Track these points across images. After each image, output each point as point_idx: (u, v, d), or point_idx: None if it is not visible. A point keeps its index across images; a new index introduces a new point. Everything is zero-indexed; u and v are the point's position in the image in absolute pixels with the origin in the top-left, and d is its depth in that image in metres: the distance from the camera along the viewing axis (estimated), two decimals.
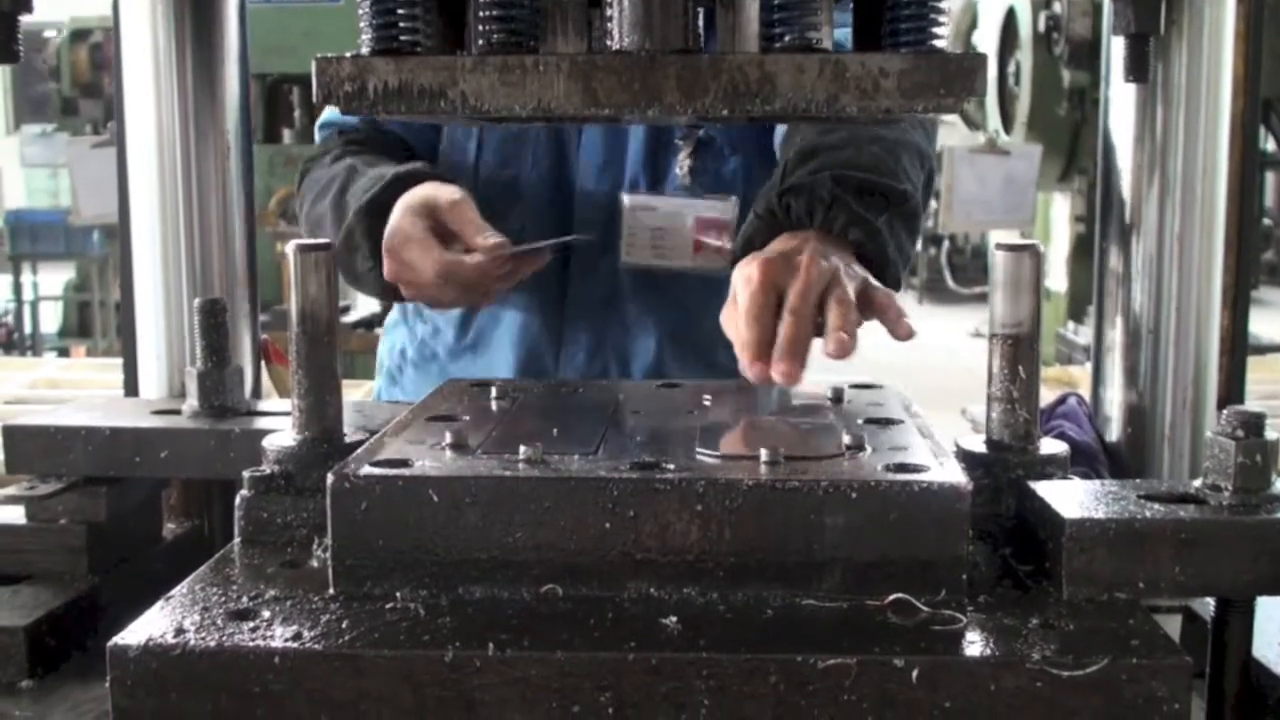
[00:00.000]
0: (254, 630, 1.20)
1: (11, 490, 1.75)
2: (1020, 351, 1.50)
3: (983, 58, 1.27)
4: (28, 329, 13.16)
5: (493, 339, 2.59)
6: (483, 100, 1.26)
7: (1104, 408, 2.13)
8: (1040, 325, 1.52)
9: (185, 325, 2.04)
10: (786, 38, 1.28)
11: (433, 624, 1.22)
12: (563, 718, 1.15)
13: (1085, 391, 2.24)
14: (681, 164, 2.45)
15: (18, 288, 13.06)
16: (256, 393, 2.17)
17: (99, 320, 12.26)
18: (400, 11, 1.31)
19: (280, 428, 1.60)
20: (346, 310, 9.47)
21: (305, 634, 1.19)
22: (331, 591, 1.29)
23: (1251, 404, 1.47)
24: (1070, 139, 9.19)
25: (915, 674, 1.14)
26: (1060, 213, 9.75)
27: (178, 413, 1.82)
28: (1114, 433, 2.10)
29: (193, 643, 1.17)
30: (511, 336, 2.56)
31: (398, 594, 1.28)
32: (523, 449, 1.35)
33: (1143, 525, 1.28)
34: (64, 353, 11.78)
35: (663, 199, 2.46)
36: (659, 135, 2.49)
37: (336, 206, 2.35)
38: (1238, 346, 2.11)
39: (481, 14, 1.31)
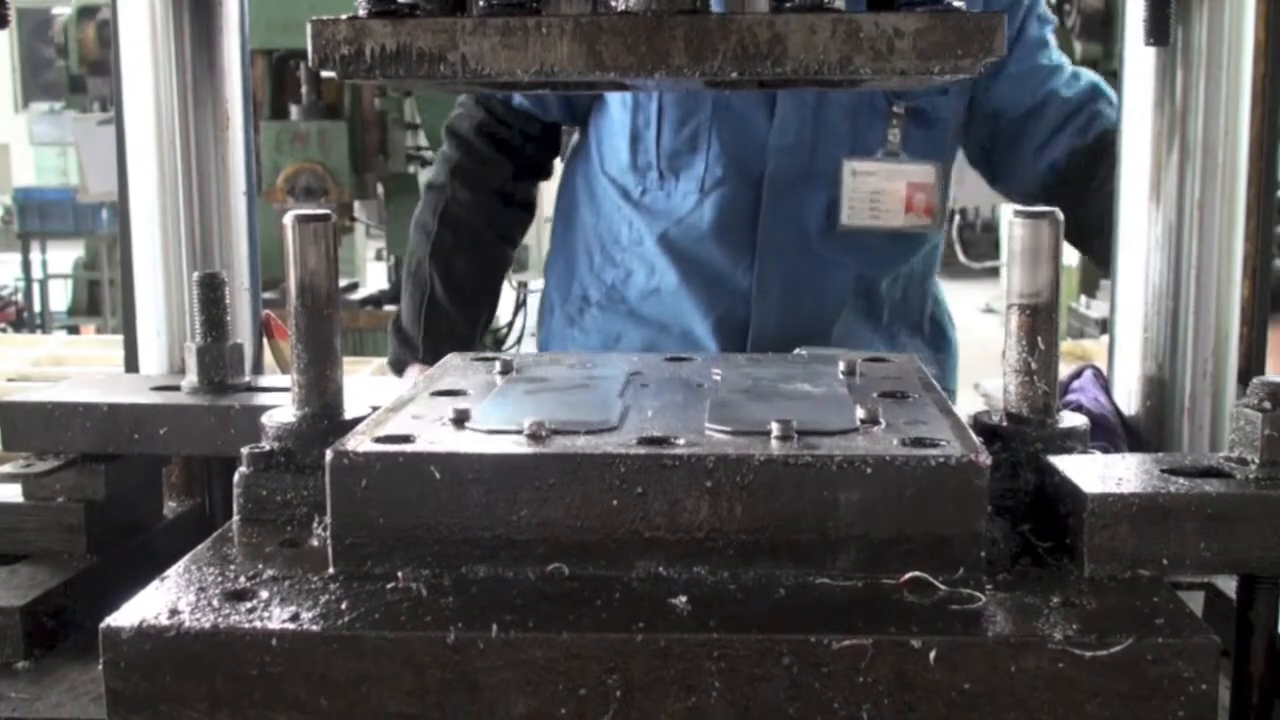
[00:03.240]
0: (251, 611, 1.17)
1: (8, 468, 1.71)
2: (1038, 322, 1.46)
3: (1001, 16, 1.22)
4: (37, 307, 13.16)
5: (683, 281, 2.79)
6: (483, 63, 1.22)
7: (1122, 380, 2.09)
8: (1059, 295, 1.48)
9: (185, 300, 2.01)
10: None
11: (435, 604, 1.19)
12: (568, 700, 1.12)
13: (1100, 364, 2.20)
14: (893, 131, 2.68)
15: (27, 266, 13.05)
16: (258, 368, 2.14)
17: (108, 298, 12.25)
18: None
19: (281, 403, 1.57)
20: (355, 287, 9.46)
21: (304, 615, 1.16)
22: (331, 571, 1.26)
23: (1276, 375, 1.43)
24: None
25: (933, 655, 1.11)
26: None
27: (177, 389, 1.79)
28: (1132, 405, 2.06)
29: (187, 624, 1.14)
30: (703, 278, 2.76)
31: (399, 573, 1.25)
32: (527, 424, 1.31)
33: (1167, 500, 1.24)
34: (73, 331, 11.78)
35: (881, 164, 2.69)
36: (868, 100, 2.68)
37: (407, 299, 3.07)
38: (1259, 317, 2.07)
39: None
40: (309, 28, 1.24)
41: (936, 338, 3.06)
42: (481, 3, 1.25)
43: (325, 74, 1.26)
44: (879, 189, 2.70)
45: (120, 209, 2.08)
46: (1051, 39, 2.92)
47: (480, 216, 3.00)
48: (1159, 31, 1.65)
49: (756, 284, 2.79)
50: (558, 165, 3.20)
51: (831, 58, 1.21)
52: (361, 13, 1.25)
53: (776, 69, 1.22)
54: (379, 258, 9.74)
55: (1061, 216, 1.49)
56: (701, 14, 1.23)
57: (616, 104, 2.80)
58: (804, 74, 1.21)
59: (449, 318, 3.05)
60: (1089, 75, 2.90)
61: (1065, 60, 2.91)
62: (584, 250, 2.98)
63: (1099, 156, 2.71)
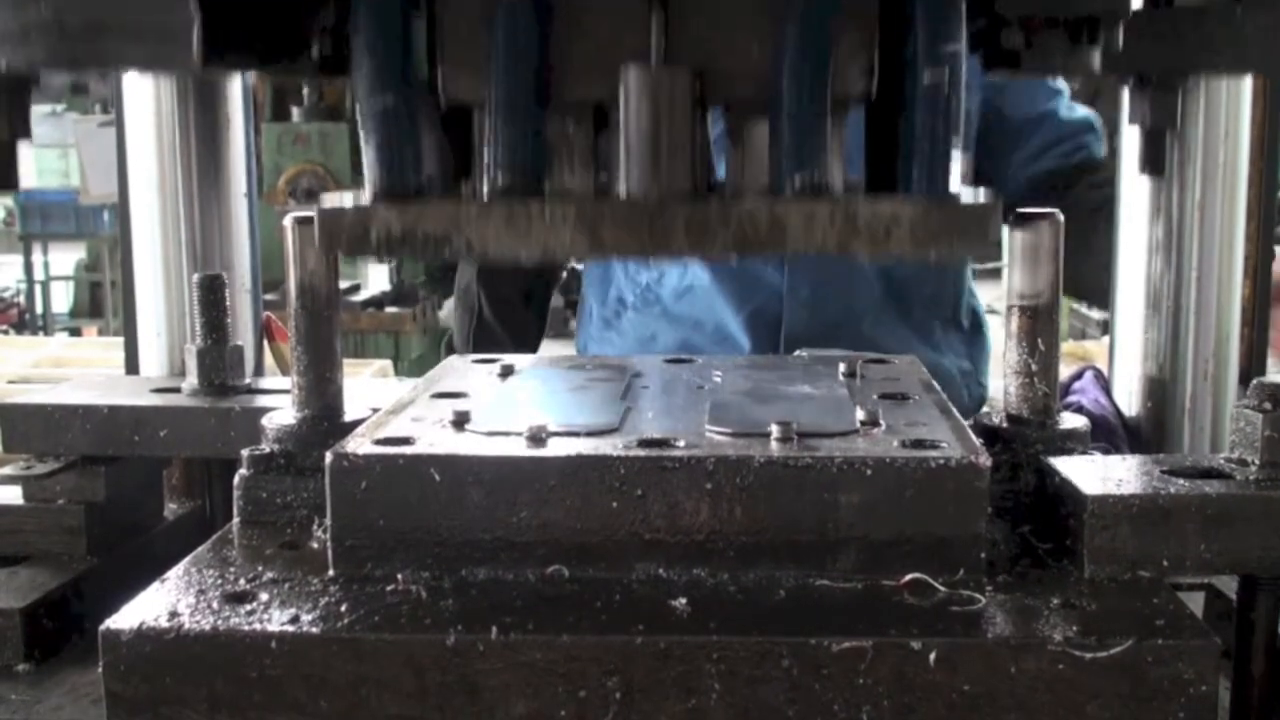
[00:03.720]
0: (250, 613, 1.17)
1: (8, 470, 1.71)
2: (1039, 323, 1.46)
3: (997, 205, 1.23)
4: (39, 309, 13.16)
5: (715, 278, 2.82)
6: (488, 247, 1.23)
7: (1123, 381, 2.09)
8: (1060, 296, 1.48)
9: (186, 302, 2.01)
10: (797, 179, 1.25)
11: (435, 606, 1.19)
12: (568, 703, 1.12)
13: (1101, 365, 2.20)
14: None
15: (29, 268, 13.06)
16: (259, 370, 2.14)
17: (110, 300, 12.26)
18: (404, 156, 1.28)
19: (281, 405, 1.57)
20: (357, 289, 9.47)
21: (303, 617, 1.16)
22: (331, 573, 1.26)
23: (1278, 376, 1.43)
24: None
25: (933, 656, 1.10)
26: None
27: (177, 391, 1.79)
28: (1133, 406, 2.06)
29: (187, 626, 1.14)
30: (735, 274, 2.79)
31: (399, 576, 1.25)
32: (527, 427, 1.31)
33: (1167, 501, 1.24)
34: (75, 333, 11.79)
35: None
36: None
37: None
38: (1260, 318, 2.07)
39: (487, 157, 1.28)
40: (316, 215, 1.25)
41: (972, 331, 3.07)
42: (486, 185, 1.27)
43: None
44: None
45: (120, 211, 2.09)
46: None
47: None
48: (1154, 163, 1.65)
49: (788, 279, 2.81)
50: None
51: (829, 243, 1.22)
52: (366, 199, 1.27)
53: (775, 252, 1.23)
54: (381, 260, 9.74)
55: (1062, 218, 1.48)
56: (701, 200, 1.24)
57: None
58: (804, 255, 1.23)
59: (498, 337, 3.13)
60: (1085, 109, 2.97)
61: (1067, 89, 2.97)
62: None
63: (1073, 186, 2.81)
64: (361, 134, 1.27)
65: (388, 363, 5.25)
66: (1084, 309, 8.61)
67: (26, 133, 1.34)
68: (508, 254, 1.23)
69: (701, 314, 2.86)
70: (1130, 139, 1.95)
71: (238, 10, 1.26)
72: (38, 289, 13.18)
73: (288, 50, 1.37)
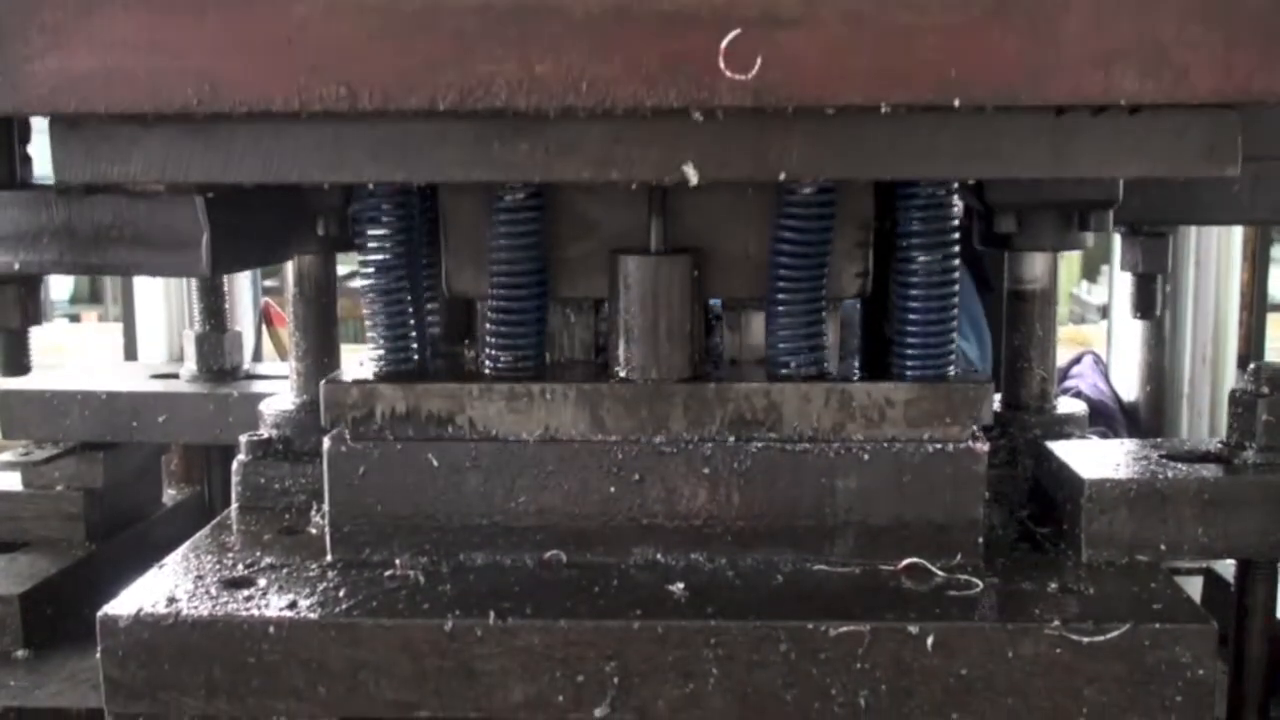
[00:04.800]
0: (248, 599, 1.17)
1: (7, 456, 1.71)
2: (1036, 308, 1.46)
3: (988, 386, 1.25)
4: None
5: None
6: (490, 426, 1.26)
7: (1121, 366, 2.09)
8: (1057, 282, 1.48)
9: (185, 288, 2.01)
10: (793, 364, 1.27)
11: (432, 592, 1.19)
12: (566, 687, 1.12)
13: (1100, 350, 2.20)
14: None
15: None
16: (258, 356, 2.14)
17: (110, 286, 12.23)
18: (408, 337, 1.32)
19: (280, 391, 1.57)
20: (356, 275, 9.46)
21: (301, 602, 1.16)
22: (329, 559, 1.26)
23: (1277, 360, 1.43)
24: None
25: (930, 640, 1.10)
26: None
27: (176, 376, 1.79)
28: (1132, 391, 2.06)
29: (185, 612, 1.14)
30: None
31: (397, 561, 1.25)
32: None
33: (1165, 485, 1.24)
34: (75, 319, 11.76)
35: None
36: None
37: None
38: (1258, 303, 2.07)
39: (488, 339, 1.30)
40: (321, 389, 1.26)
41: (972, 319, 3.06)
42: (488, 364, 1.30)
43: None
44: None
45: None
46: None
47: None
48: (1145, 308, 1.66)
49: None
50: None
51: (824, 425, 1.25)
52: (370, 375, 1.29)
53: (771, 434, 1.25)
54: None
55: None
56: (699, 383, 1.26)
57: None
58: (799, 439, 1.24)
59: None
60: None
61: None
62: None
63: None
64: (365, 311, 1.32)
65: None
66: (1084, 295, 8.60)
67: (38, 320, 1.37)
68: (509, 433, 1.26)
69: None
70: (1121, 283, 1.96)
71: (245, 217, 1.29)
72: None
73: (293, 247, 1.42)
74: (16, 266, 1.26)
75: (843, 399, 1.25)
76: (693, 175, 1.09)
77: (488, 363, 1.30)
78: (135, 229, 1.24)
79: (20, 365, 1.40)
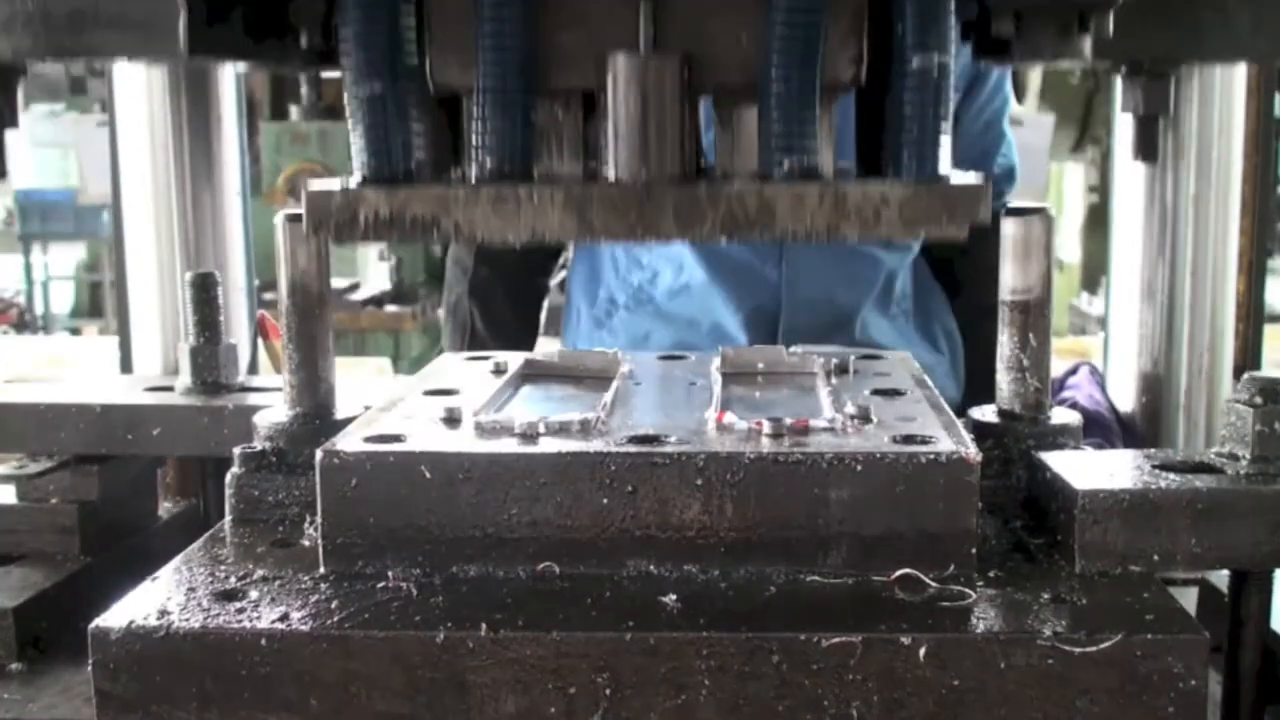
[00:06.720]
0: (240, 611, 1.17)
1: (1, 469, 1.71)
2: (1030, 318, 1.46)
3: (985, 186, 1.22)
4: (39, 309, 13.14)
5: (712, 278, 2.81)
6: (476, 230, 1.22)
7: (1117, 376, 2.09)
8: (1051, 291, 1.48)
9: (180, 301, 2.01)
10: (786, 163, 1.24)
11: (425, 604, 1.19)
12: (558, 699, 1.12)
13: (1098, 361, 2.20)
14: None
15: (28, 268, 13.04)
16: (253, 369, 2.14)
17: (110, 300, 12.24)
18: (392, 141, 1.27)
19: (275, 404, 1.57)
20: (357, 287, 9.46)
21: (293, 614, 1.16)
22: (322, 571, 1.26)
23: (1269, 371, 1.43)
24: (1083, 108, 9.11)
25: (922, 652, 1.10)
26: (1074, 183, 9.68)
27: (171, 389, 1.79)
28: (1128, 402, 2.06)
29: (176, 624, 1.14)
30: (732, 272, 2.78)
31: (389, 573, 1.24)
32: (518, 423, 1.31)
33: (1157, 496, 1.24)
34: (75, 333, 11.77)
35: None
36: None
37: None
38: (1254, 313, 2.07)
39: (475, 141, 1.27)
40: (303, 197, 1.25)
41: (945, 331, 3.07)
42: (475, 166, 1.26)
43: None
44: None
45: (114, 210, 2.09)
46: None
47: (515, 252, 3.00)
48: (1147, 149, 1.65)
49: (785, 276, 2.80)
50: None
51: (819, 226, 1.22)
52: (355, 182, 1.26)
53: (765, 235, 1.23)
54: (381, 258, 9.74)
55: (1054, 213, 1.48)
56: (690, 184, 1.24)
57: None
58: (793, 240, 1.22)
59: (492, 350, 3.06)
60: (1014, 156, 3.01)
61: (1012, 137, 3.03)
62: (609, 257, 2.99)
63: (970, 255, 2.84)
64: (350, 120, 1.27)
65: (385, 361, 5.25)
66: (1083, 305, 8.61)
67: (14, 122, 1.34)
68: (496, 237, 1.22)
69: (697, 313, 2.85)
70: (1124, 126, 1.94)
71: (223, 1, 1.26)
72: (38, 289, 13.15)
73: (275, 38, 1.35)
74: None
75: (837, 199, 1.21)
76: None
77: (474, 167, 1.26)
78: (111, 12, 1.21)
79: None
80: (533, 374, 1.69)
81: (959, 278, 2.98)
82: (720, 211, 1.22)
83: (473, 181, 1.26)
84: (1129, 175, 2.02)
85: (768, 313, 2.82)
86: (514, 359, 1.73)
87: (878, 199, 1.21)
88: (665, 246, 2.86)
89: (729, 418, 1.34)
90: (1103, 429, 2.00)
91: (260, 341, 2.15)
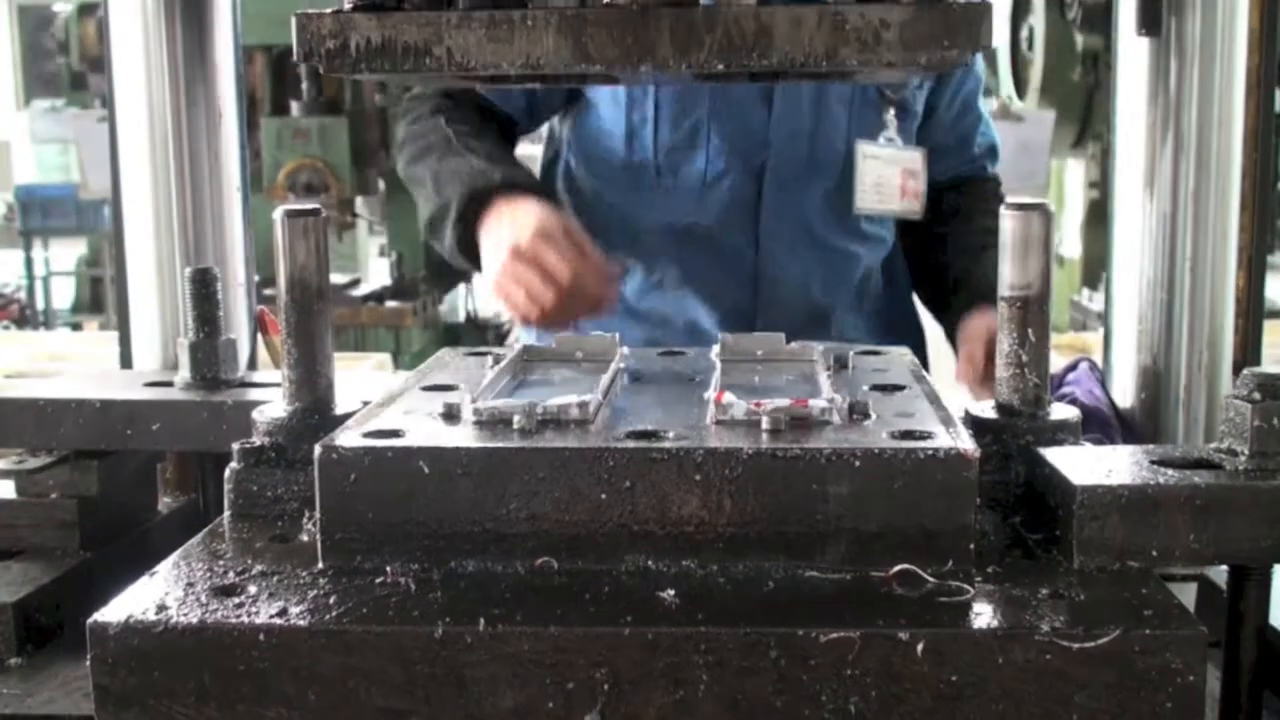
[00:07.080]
0: (239, 606, 1.17)
1: (1, 464, 1.71)
2: (1029, 314, 1.46)
3: (988, 7, 1.21)
4: (40, 305, 13.13)
5: (686, 276, 2.80)
6: (469, 57, 1.21)
7: (1117, 372, 2.08)
8: (1050, 286, 1.48)
9: (180, 296, 2.01)
10: None
11: (423, 599, 1.19)
12: (556, 694, 1.12)
13: (1098, 357, 2.19)
14: (891, 121, 2.76)
15: (29, 263, 13.03)
16: (253, 364, 2.14)
17: (111, 295, 12.22)
18: None
19: (274, 399, 1.57)
20: (357, 283, 9.45)
21: (291, 610, 1.16)
22: (320, 566, 1.26)
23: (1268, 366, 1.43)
24: (1084, 104, 9.08)
25: (920, 647, 1.10)
26: (1074, 179, 9.66)
27: (170, 384, 1.79)
28: (1127, 397, 2.06)
29: (175, 619, 1.14)
30: (708, 271, 2.78)
31: (388, 568, 1.25)
32: (516, 418, 1.31)
33: (1156, 491, 1.24)
34: (76, 328, 11.77)
35: (883, 149, 2.76)
36: (860, 90, 2.75)
37: (435, 179, 2.65)
38: (1254, 309, 2.06)
39: None
40: (294, 22, 1.23)
41: (913, 328, 3.06)
42: None
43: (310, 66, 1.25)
44: (881, 174, 2.75)
45: (114, 205, 2.09)
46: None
47: (475, 112, 2.81)
48: (1150, 21, 1.64)
49: (761, 275, 2.79)
50: None
51: (818, 49, 1.21)
52: (347, 6, 1.24)
53: (763, 61, 1.21)
54: (381, 254, 9.72)
55: (1053, 208, 1.48)
56: (687, 6, 1.22)
57: (607, 103, 2.76)
58: (791, 66, 1.21)
59: (487, 145, 2.74)
60: (994, 134, 3.05)
61: (988, 115, 3.07)
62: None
63: (963, 195, 2.91)
64: None
65: (386, 356, 5.25)
66: (1085, 301, 8.60)
67: None
68: (489, 64, 1.21)
69: (671, 312, 2.82)
70: (1127, 4, 1.93)
71: None
72: (39, 284, 13.13)
73: None
74: None
75: (836, 21, 1.21)
76: None
77: None
78: None
79: None
80: (531, 360, 1.69)
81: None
82: (718, 34, 1.21)
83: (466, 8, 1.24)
84: (1127, 170, 2.02)
85: (743, 311, 2.80)
86: (513, 353, 1.74)
87: (877, 21, 1.21)
88: (633, 244, 2.79)
89: (728, 397, 1.34)
90: (1102, 425, 2.00)
91: (260, 337, 2.15)
